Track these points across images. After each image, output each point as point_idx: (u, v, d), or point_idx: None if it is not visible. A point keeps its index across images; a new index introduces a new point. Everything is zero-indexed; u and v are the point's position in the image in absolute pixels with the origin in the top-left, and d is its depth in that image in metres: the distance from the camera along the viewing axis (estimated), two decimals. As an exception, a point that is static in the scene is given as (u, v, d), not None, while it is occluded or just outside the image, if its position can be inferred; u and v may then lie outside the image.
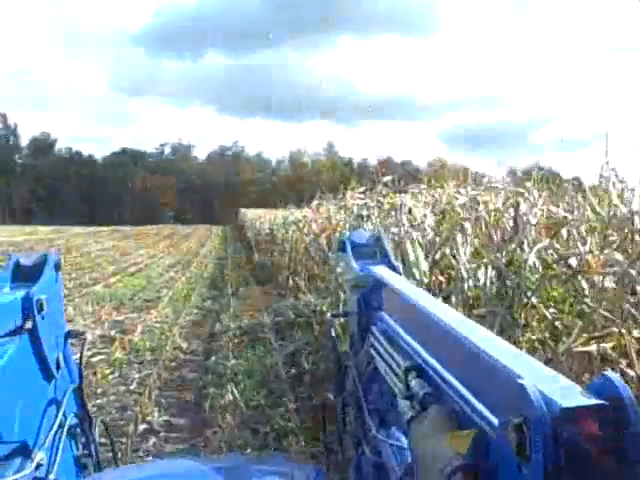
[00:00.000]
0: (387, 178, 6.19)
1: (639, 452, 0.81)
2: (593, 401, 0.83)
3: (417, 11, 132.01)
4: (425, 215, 4.32)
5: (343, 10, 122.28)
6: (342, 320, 3.29)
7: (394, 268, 2.18)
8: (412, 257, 3.88)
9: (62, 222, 57.65)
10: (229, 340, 8.32)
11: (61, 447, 1.85)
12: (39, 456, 1.62)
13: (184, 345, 8.23)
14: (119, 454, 3.65)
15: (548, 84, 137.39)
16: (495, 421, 0.98)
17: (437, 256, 3.72)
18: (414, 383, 1.38)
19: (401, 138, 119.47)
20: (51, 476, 1.68)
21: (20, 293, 1.88)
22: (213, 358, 7.41)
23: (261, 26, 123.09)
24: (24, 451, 1.63)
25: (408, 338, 1.56)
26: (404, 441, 1.63)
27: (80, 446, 2.18)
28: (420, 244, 3.95)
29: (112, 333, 8.83)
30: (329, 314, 3.62)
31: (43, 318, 1.89)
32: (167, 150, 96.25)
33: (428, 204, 4.72)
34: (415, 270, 3.76)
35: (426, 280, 3.59)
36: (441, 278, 3.63)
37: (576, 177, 5.01)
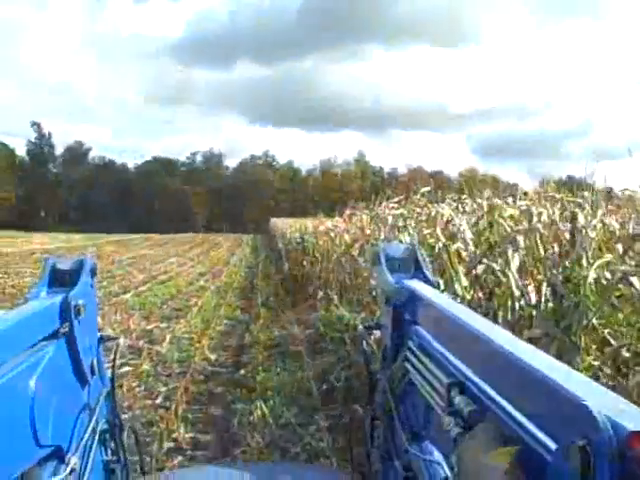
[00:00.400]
0: (425, 188, 5.94)
1: None
2: None
3: (448, 22, 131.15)
4: (462, 226, 4.04)
5: (375, 21, 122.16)
6: (376, 334, 3.19)
7: (430, 282, 2.15)
8: (451, 271, 3.62)
9: (96, 230, 58.25)
10: (259, 352, 8.11)
11: (93, 452, 1.87)
12: (73, 460, 1.64)
13: (213, 357, 8.05)
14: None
15: (582, 94, 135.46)
16: (549, 442, 0.96)
17: (479, 270, 3.45)
18: (458, 399, 1.35)
19: (432, 148, 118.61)
20: None
21: (58, 298, 1.88)
22: (242, 371, 7.21)
23: (293, 36, 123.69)
24: (58, 455, 1.65)
25: (448, 354, 1.54)
26: (437, 455, 1.64)
27: (109, 451, 2.20)
28: (461, 257, 3.69)
29: (140, 343, 8.69)
30: (361, 325, 3.50)
31: (80, 323, 1.90)
32: (198, 159, 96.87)
33: (469, 215, 4.44)
34: (457, 285, 3.50)
35: (468, 296, 3.33)
36: (481, 294, 3.36)
37: (609, 187, 4.73)
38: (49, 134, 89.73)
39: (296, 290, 14.52)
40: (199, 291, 15.34)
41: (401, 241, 5.89)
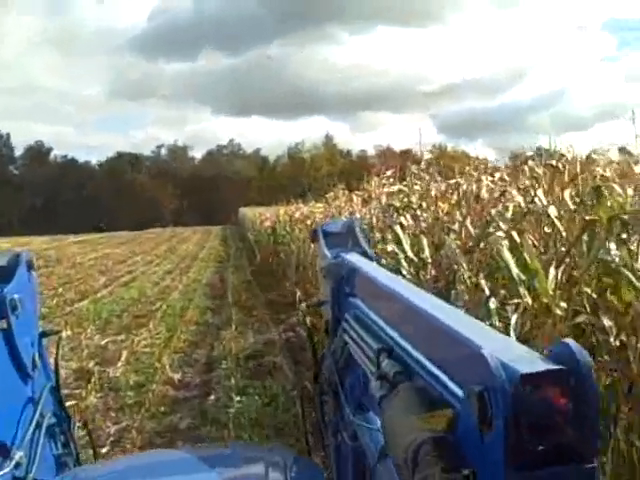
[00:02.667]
0: (428, 156, 4.62)
1: (595, 415, 0.84)
2: (552, 367, 0.84)
3: (413, 3, 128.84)
4: (537, 196, 2.64)
5: (339, 4, 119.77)
6: None
7: (367, 255, 2.15)
8: (513, 269, 2.30)
9: (62, 231, 56.11)
10: (232, 369, 6.77)
11: (40, 446, 1.86)
12: (18, 455, 1.64)
13: (176, 377, 6.70)
14: None
15: (548, 68, 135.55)
16: (460, 393, 0.98)
17: (565, 267, 2.11)
18: (385, 363, 1.36)
19: (399, 128, 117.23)
20: (30, 475, 1.65)
21: None
22: (212, 397, 5.88)
23: (257, 23, 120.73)
24: (2, 450, 1.65)
25: (380, 321, 1.56)
26: (379, 423, 1.56)
27: (60, 445, 2.18)
28: (536, 246, 2.35)
29: (90, 365, 7.27)
30: (304, 304, 3.27)
31: (17, 318, 1.89)
32: (163, 152, 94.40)
33: (535, 183, 2.99)
34: (526, 294, 2.17)
35: (559, 312, 2.01)
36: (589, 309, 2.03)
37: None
38: (7, 135, 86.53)
39: (270, 285, 13.27)
40: (164, 293, 13.91)
41: (402, 225, 4.62)
